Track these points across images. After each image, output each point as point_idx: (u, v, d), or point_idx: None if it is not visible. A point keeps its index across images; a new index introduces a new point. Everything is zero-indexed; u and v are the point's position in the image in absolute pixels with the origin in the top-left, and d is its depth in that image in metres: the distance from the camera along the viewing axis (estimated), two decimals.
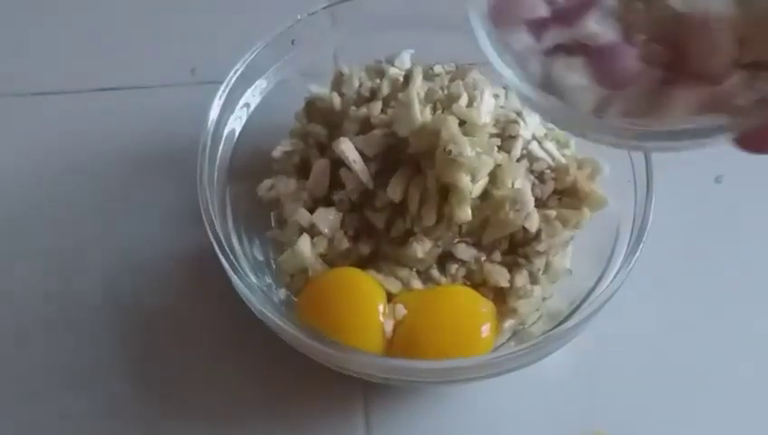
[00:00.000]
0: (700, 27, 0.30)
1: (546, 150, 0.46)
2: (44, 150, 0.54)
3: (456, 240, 0.44)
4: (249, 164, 0.48)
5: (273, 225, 0.47)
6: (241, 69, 0.47)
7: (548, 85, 0.32)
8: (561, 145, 0.47)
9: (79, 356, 0.47)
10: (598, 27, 0.32)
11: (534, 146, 0.46)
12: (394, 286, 0.43)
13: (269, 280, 0.46)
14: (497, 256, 0.45)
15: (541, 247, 0.44)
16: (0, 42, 0.59)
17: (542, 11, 0.32)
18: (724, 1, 0.30)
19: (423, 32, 0.49)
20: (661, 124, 0.31)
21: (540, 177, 0.45)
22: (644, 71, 0.31)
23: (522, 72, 0.32)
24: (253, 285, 0.42)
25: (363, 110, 0.46)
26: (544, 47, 0.32)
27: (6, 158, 0.54)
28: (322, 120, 0.48)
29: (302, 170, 0.47)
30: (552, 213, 0.44)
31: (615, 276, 0.42)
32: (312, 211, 0.45)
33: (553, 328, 0.42)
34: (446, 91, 0.46)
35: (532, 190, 0.44)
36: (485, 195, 0.43)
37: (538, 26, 0.32)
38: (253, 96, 0.49)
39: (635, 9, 0.32)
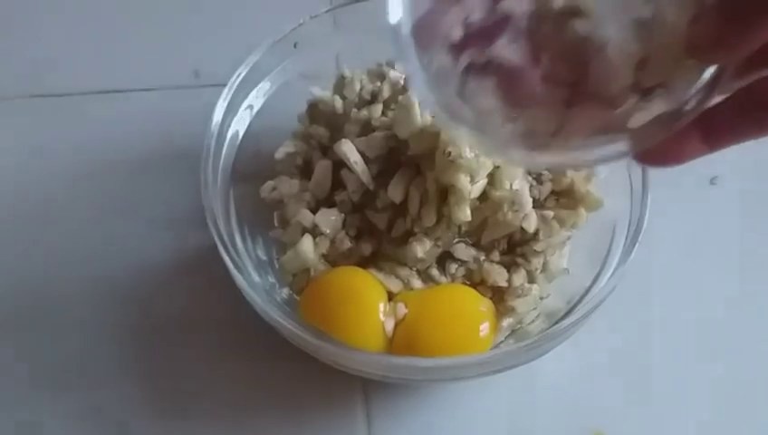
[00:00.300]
0: (599, 52, 0.31)
1: None
2: (48, 153, 0.54)
3: (456, 240, 0.45)
4: (252, 165, 0.48)
5: (276, 225, 0.48)
6: (244, 72, 0.47)
7: (461, 106, 0.33)
8: None
9: (82, 356, 0.47)
10: (506, 49, 0.32)
11: None
12: (394, 285, 0.44)
13: (272, 279, 0.46)
14: (496, 255, 0.45)
15: (538, 247, 0.45)
16: (2, 44, 0.59)
17: (458, 32, 0.33)
18: (624, 28, 0.31)
19: None
20: (561, 146, 0.32)
21: (537, 178, 0.46)
22: (547, 92, 0.32)
23: (438, 91, 0.33)
24: (256, 284, 0.42)
25: (364, 112, 0.46)
26: (461, 67, 0.33)
27: (9, 159, 0.54)
28: (324, 123, 0.48)
29: (305, 171, 0.47)
30: (550, 214, 0.45)
31: (611, 276, 0.42)
32: (314, 212, 0.45)
33: (551, 326, 0.42)
34: None
35: (530, 191, 0.45)
36: (484, 196, 0.44)
37: (456, 46, 0.33)
38: (256, 98, 0.49)
39: (544, 30, 0.32)
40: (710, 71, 0.30)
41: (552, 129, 0.32)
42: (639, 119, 0.31)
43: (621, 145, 0.31)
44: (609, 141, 0.31)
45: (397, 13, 0.33)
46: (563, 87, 0.32)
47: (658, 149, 0.31)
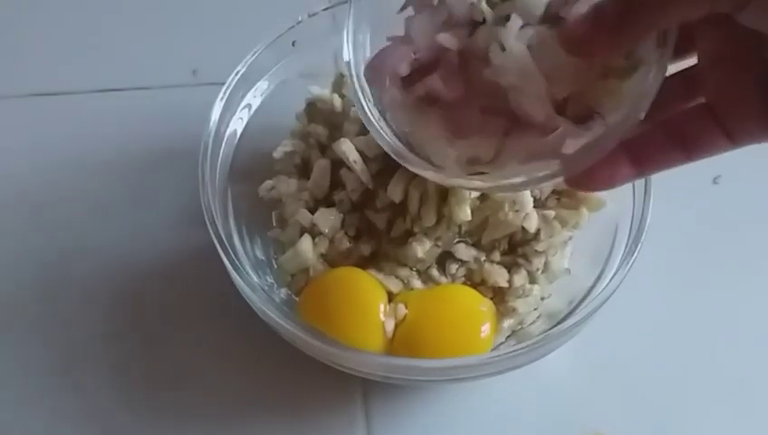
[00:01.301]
0: (513, 87, 0.33)
1: None
2: (46, 152, 0.54)
3: (456, 240, 0.45)
4: (250, 164, 0.48)
5: (274, 224, 0.48)
6: (242, 70, 0.47)
7: (411, 136, 0.36)
8: None
9: (79, 356, 0.47)
10: (440, 83, 0.34)
11: None
12: (394, 286, 0.44)
13: (270, 279, 0.46)
14: (496, 255, 0.45)
15: (539, 247, 0.44)
16: (1, 44, 0.59)
17: (404, 69, 0.35)
18: (525, 60, 0.32)
19: None
20: (498, 171, 0.34)
21: None
22: (485, 122, 0.34)
23: (389, 125, 0.36)
24: (254, 284, 0.42)
25: None
26: (410, 101, 0.35)
27: (8, 159, 0.54)
28: (323, 121, 0.48)
29: (303, 171, 0.47)
30: (551, 213, 0.45)
31: (613, 276, 0.42)
32: (312, 211, 0.45)
33: (552, 327, 0.42)
34: None
35: (531, 191, 0.44)
36: (485, 195, 0.44)
37: (404, 82, 0.35)
38: (254, 97, 0.49)
39: (471, 66, 0.34)
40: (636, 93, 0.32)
41: (491, 155, 0.34)
42: (567, 146, 0.33)
43: (553, 169, 0.33)
44: (543, 166, 0.33)
45: (349, 52, 0.36)
46: (500, 117, 0.34)
47: (589, 174, 0.33)
